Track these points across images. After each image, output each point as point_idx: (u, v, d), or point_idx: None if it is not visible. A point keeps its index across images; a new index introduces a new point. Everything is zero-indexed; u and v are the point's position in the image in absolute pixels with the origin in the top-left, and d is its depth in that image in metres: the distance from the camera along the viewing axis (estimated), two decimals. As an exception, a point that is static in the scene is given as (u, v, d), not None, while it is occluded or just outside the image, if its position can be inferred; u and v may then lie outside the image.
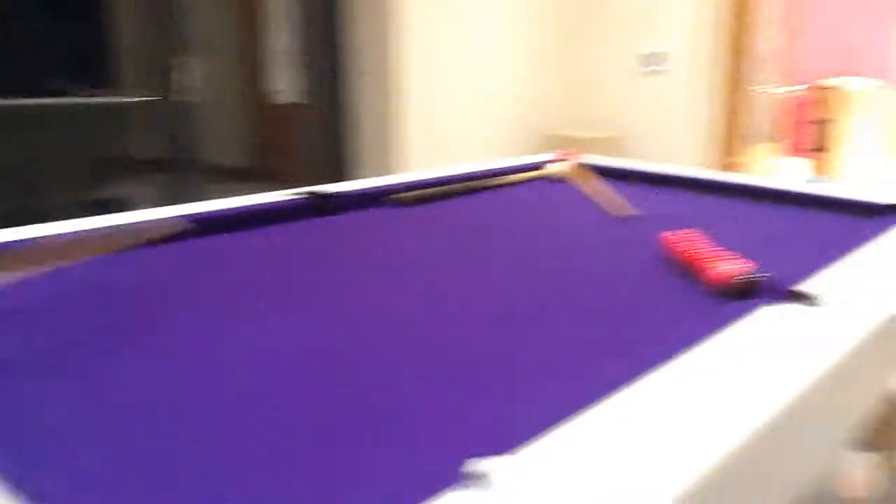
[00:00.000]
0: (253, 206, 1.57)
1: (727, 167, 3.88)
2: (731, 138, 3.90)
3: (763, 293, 1.13)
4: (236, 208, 1.54)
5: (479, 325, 1.04)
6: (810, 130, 6.82)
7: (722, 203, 1.91)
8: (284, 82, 3.54)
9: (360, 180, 1.93)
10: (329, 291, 1.17)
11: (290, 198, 1.65)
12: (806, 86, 6.65)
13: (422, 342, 0.97)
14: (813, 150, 6.78)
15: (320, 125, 3.44)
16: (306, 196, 1.67)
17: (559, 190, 2.04)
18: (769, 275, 1.17)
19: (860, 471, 2.02)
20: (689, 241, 1.33)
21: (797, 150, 6.71)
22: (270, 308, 1.08)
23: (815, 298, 1.07)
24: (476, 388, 0.84)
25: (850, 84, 6.73)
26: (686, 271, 1.29)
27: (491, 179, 2.04)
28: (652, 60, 3.77)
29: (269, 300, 1.12)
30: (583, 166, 2.22)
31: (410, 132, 3.35)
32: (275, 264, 1.30)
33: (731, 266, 1.18)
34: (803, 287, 1.13)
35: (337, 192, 1.72)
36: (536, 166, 2.23)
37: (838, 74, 6.95)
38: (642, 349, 0.92)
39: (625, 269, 1.32)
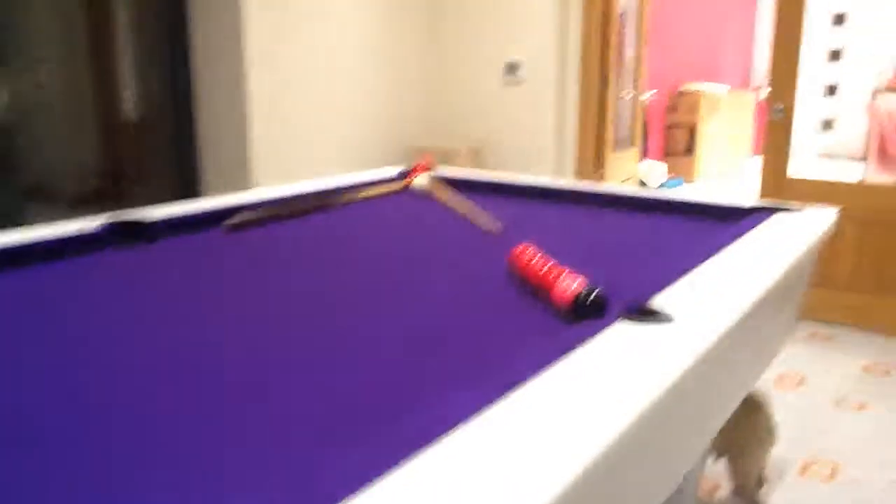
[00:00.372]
0: (48, 238, 1.35)
1: (591, 175, 3.89)
2: (596, 145, 3.92)
3: (612, 311, 1.03)
4: (24, 242, 1.32)
5: (270, 370, 0.88)
6: (671, 134, 7.06)
7: (585, 214, 1.84)
8: (131, 96, 3.25)
9: (187, 203, 1.73)
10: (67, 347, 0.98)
11: (94, 227, 1.44)
12: (653, 92, 6.88)
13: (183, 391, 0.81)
14: (672, 153, 7.02)
15: (170, 142, 3.19)
16: (114, 224, 1.46)
17: (417, 205, 1.91)
18: (601, 291, 1.07)
19: (714, 473, 1.99)
20: (539, 258, 1.23)
21: (657, 154, 6.93)
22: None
23: (664, 315, 0.98)
24: (265, 449, 0.69)
25: (708, 88, 7.02)
26: (535, 290, 1.19)
27: (341, 196, 1.89)
28: (514, 69, 3.73)
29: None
30: (438, 178, 2.10)
31: (264, 146, 3.15)
32: (36, 309, 1.10)
33: (576, 285, 1.08)
34: (653, 303, 1.04)
35: (152, 220, 1.52)
36: (393, 179, 2.10)
37: (696, 80, 7.24)
38: (484, 379, 0.79)
39: (474, 290, 1.20)
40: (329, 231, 1.61)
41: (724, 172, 7.34)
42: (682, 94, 7.02)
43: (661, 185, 6.26)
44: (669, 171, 6.78)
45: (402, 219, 1.74)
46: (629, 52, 5.02)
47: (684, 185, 6.80)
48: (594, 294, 1.04)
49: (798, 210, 1.68)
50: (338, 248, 1.47)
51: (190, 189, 3.27)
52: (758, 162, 3.44)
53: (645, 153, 6.37)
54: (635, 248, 1.48)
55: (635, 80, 5.12)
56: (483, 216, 1.68)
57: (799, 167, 3.46)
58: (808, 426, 2.32)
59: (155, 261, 1.35)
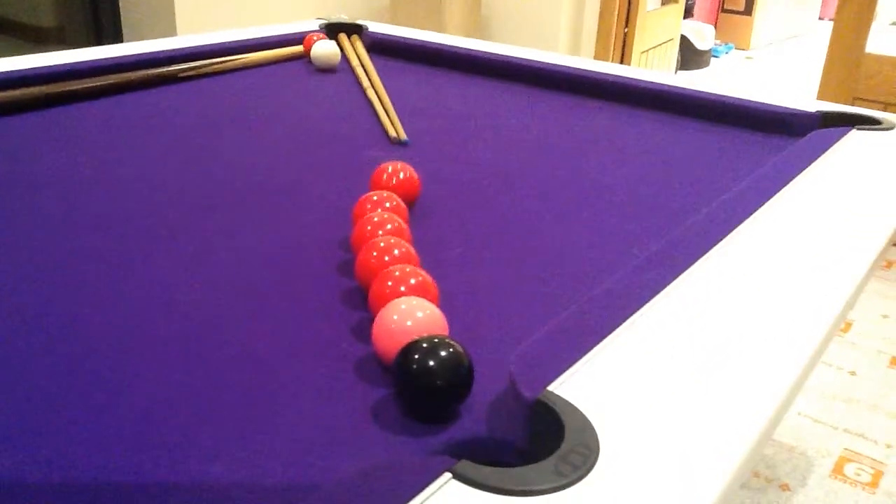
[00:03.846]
0: None
1: (616, 34, 3.16)
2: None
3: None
4: None
5: None
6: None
7: (568, 112, 1.22)
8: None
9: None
10: None
11: None
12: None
13: None
14: (727, 12, 6.09)
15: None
16: None
17: (308, 82, 1.31)
18: (451, 361, 0.50)
19: None
20: (384, 224, 0.65)
21: (708, 13, 6.02)
22: None
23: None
24: None
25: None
26: (362, 283, 0.62)
27: (200, 64, 1.29)
28: None
29: None
30: (357, 40, 1.48)
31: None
32: None
33: (411, 322, 0.51)
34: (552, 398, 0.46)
35: None
36: (293, 40, 1.47)
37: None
38: None
39: (279, 261, 0.63)
40: (154, 111, 1.02)
41: (784, 39, 6.41)
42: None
43: (709, 51, 5.42)
44: (719, 35, 5.89)
45: (261, 106, 1.14)
46: None
47: (735, 51, 5.94)
48: (425, 371, 0.47)
49: (889, 126, 1.05)
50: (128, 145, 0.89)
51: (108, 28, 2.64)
52: (826, 28, 2.69)
53: (690, 11, 5.50)
54: (614, 196, 0.88)
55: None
56: (392, 115, 1.07)
57: (882, 42, 2.70)
58: (855, 393, 1.77)
59: None
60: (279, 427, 0.46)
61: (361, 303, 0.60)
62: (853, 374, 1.83)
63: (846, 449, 1.58)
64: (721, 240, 0.68)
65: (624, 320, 0.54)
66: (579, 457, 0.41)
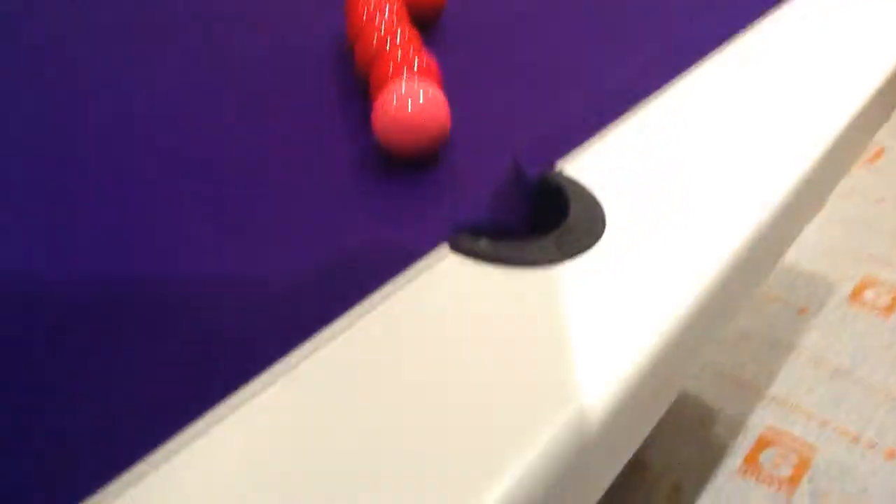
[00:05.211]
0: None
1: None
2: None
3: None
4: None
5: None
6: None
7: None
8: None
9: None
10: None
11: None
12: None
13: None
14: None
15: None
16: None
17: None
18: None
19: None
20: (391, 13, 0.60)
21: None
22: None
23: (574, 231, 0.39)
24: None
25: None
26: (366, 83, 0.58)
27: None
28: None
29: None
30: None
31: None
32: None
33: (395, 101, 0.48)
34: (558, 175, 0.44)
35: None
36: None
37: None
38: None
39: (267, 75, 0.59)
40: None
41: None
42: None
43: None
44: None
45: None
46: None
47: None
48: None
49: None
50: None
51: None
52: None
53: None
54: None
55: None
56: None
57: None
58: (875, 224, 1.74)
59: None
60: (282, 214, 0.45)
61: (361, 94, 0.57)
62: (880, 201, 1.79)
63: (867, 275, 1.57)
64: (731, 40, 0.63)
65: (630, 108, 0.51)
66: (582, 231, 0.39)
